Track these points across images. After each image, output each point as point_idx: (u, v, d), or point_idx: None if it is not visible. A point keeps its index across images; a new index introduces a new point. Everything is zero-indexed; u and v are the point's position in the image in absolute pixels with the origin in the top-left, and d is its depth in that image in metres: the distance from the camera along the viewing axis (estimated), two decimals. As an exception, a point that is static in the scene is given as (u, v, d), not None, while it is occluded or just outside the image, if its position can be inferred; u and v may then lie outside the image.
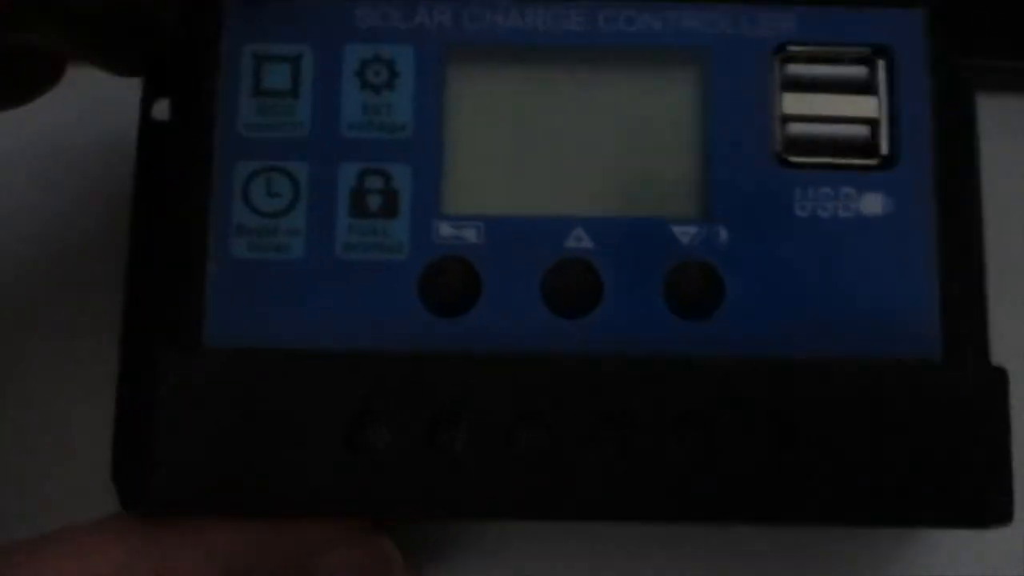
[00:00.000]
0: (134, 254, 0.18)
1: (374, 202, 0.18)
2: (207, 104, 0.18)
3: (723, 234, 0.18)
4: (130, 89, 0.19)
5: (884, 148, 0.18)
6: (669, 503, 0.17)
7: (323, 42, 0.19)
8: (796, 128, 0.19)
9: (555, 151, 0.19)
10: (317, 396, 0.17)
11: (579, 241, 0.18)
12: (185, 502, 0.17)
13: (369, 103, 0.19)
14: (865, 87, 0.19)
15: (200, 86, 0.18)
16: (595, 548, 0.21)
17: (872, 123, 0.19)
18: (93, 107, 0.22)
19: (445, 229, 0.18)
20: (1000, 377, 0.18)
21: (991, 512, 0.17)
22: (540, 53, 0.19)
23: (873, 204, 0.18)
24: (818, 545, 0.21)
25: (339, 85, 0.19)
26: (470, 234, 0.18)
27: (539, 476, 0.17)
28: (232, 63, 0.19)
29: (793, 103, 0.19)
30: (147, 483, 0.17)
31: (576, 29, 0.19)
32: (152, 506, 0.17)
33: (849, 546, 0.21)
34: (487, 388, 0.17)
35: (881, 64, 0.19)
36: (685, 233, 0.18)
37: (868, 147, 0.19)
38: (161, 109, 0.19)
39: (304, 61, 0.19)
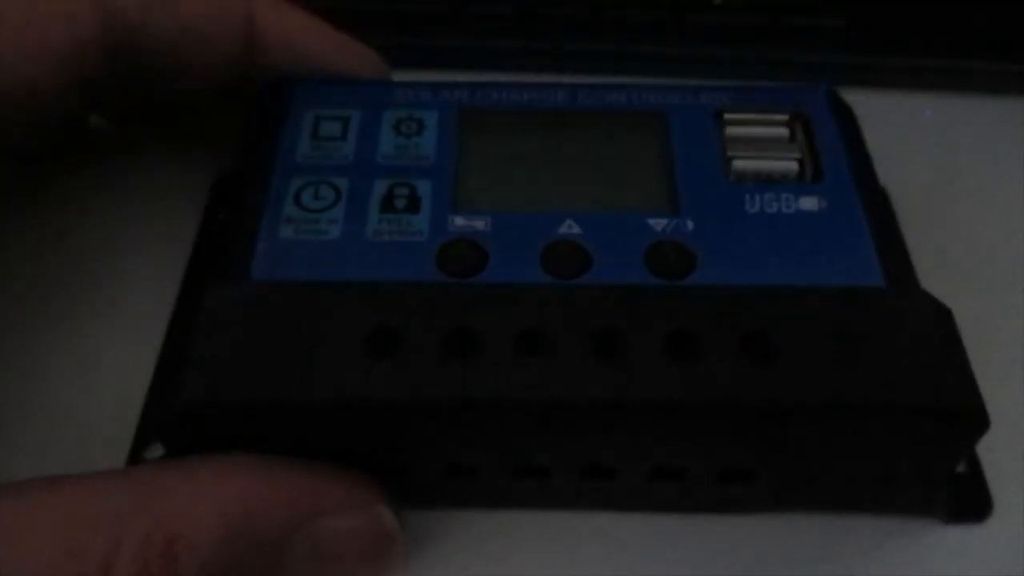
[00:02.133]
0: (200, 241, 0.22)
1: (400, 203, 0.22)
2: (271, 145, 0.23)
3: (690, 224, 0.22)
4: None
5: (809, 175, 0.23)
6: (656, 393, 0.19)
7: (368, 109, 0.24)
8: (740, 164, 0.23)
9: (548, 180, 0.23)
10: (340, 313, 0.20)
11: (570, 228, 0.22)
12: (215, 401, 0.19)
13: (400, 143, 0.24)
14: (789, 140, 0.24)
15: (268, 134, 0.24)
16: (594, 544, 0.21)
17: (799, 160, 0.23)
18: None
19: (459, 220, 0.22)
20: (943, 308, 0.20)
21: (962, 410, 0.19)
22: (533, 116, 0.24)
23: (810, 203, 0.22)
24: (817, 543, 0.21)
25: (378, 133, 0.24)
26: (479, 223, 0.22)
27: (542, 373, 0.19)
28: (297, 121, 0.24)
29: (735, 148, 0.24)
30: (182, 384, 0.19)
31: (561, 103, 0.25)
32: (185, 405, 0.19)
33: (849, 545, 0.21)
34: (493, 309, 0.20)
35: (799, 125, 0.24)
36: (658, 223, 0.22)
37: (799, 173, 0.23)
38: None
39: (352, 120, 0.24)
